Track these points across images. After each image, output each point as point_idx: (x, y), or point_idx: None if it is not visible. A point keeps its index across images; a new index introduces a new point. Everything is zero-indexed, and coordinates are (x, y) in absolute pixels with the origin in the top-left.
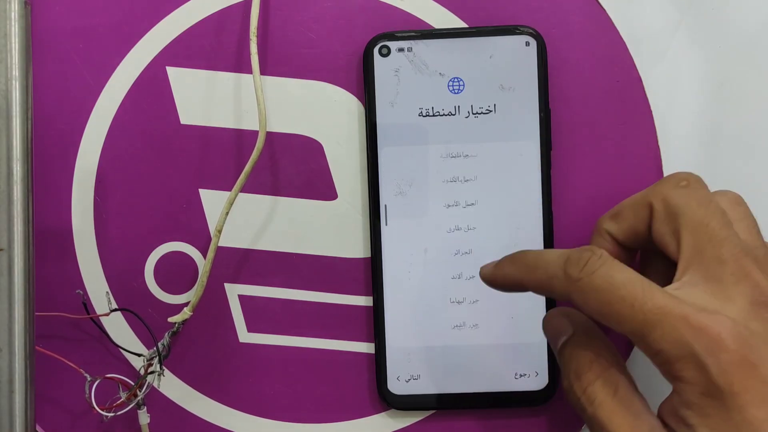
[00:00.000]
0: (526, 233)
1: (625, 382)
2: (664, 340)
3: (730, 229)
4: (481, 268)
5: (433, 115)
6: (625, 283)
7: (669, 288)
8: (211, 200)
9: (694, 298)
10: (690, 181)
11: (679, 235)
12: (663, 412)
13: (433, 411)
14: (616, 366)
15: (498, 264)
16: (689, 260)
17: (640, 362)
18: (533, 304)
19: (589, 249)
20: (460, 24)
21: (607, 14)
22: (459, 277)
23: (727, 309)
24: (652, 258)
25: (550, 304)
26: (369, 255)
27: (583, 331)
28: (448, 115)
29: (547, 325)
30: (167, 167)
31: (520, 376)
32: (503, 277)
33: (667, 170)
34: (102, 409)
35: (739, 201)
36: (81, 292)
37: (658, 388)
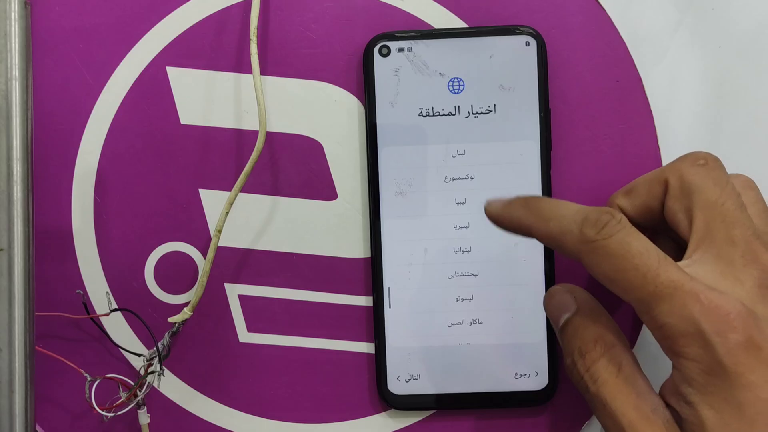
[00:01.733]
0: None
1: (629, 361)
2: (672, 314)
3: (743, 211)
4: (488, 203)
5: (433, 115)
6: (641, 251)
7: (680, 264)
8: (211, 200)
9: (705, 276)
10: (708, 160)
11: (691, 213)
12: (664, 392)
13: (433, 411)
14: (620, 345)
15: (509, 203)
16: (700, 239)
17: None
18: (533, 304)
19: (609, 212)
20: (460, 24)
21: (607, 14)
22: (459, 277)
23: (736, 290)
24: (661, 240)
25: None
26: (369, 255)
27: (587, 309)
28: (448, 115)
29: (550, 301)
30: (167, 167)
31: (520, 376)
32: (511, 218)
33: None
34: (102, 409)
35: (751, 185)
36: (81, 292)
37: (661, 374)
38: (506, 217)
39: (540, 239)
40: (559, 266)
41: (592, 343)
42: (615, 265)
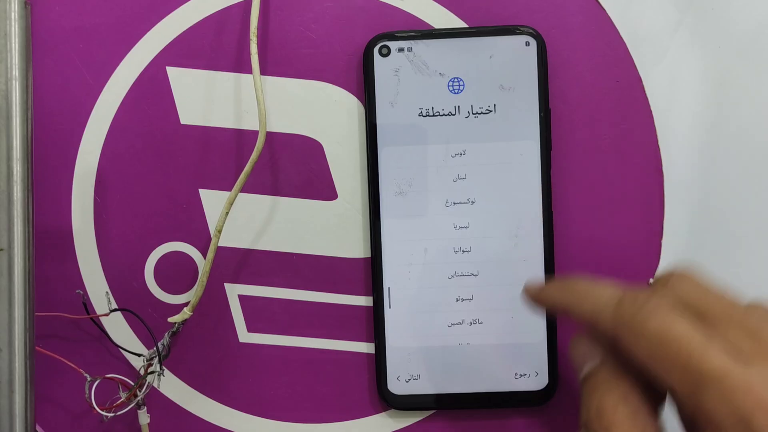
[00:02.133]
0: (526, 233)
1: (652, 430)
2: (719, 403)
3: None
4: (526, 287)
5: (433, 115)
6: (684, 335)
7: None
8: (211, 200)
9: (754, 370)
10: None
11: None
12: None
13: (433, 411)
14: (645, 410)
15: (546, 288)
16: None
17: None
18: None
19: (647, 292)
20: (460, 24)
21: (607, 14)
22: (459, 277)
23: None
24: None
25: None
26: (369, 255)
27: (612, 364)
28: (448, 115)
29: (575, 347)
30: (167, 167)
31: (520, 376)
32: (548, 301)
33: (667, 170)
34: (102, 409)
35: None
36: (81, 292)
37: None
38: (542, 299)
39: (577, 319)
40: (559, 266)
41: (612, 405)
42: (653, 348)
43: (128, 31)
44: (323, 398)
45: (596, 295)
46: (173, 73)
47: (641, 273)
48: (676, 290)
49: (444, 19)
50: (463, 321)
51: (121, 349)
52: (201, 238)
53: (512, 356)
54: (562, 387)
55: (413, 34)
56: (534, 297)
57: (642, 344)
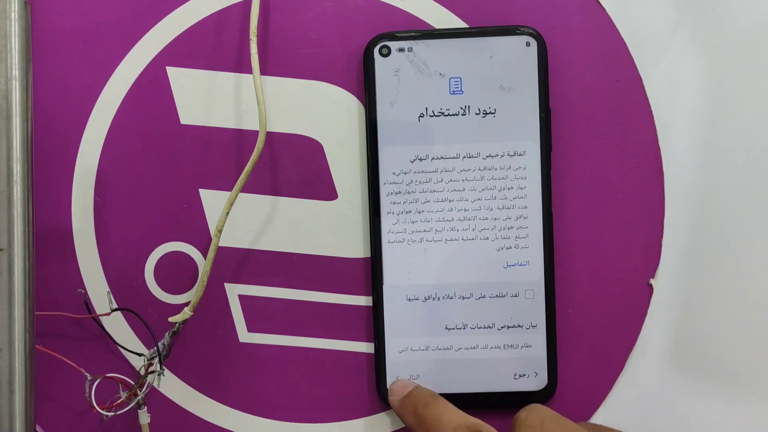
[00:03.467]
0: (526, 233)
1: None
2: None
3: None
4: (391, 392)
5: (434, 115)
6: None
7: None
8: (211, 200)
9: None
10: None
11: None
12: None
13: None
14: None
15: (403, 403)
16: None
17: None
18: (533, 305)
19: (479, 426)
20: (460, 24)
21: (607, 14)
22: (459, 277)
23: None
24: None
25: (549, 307)
26: (369, 255)
27: None
28: (449, 115)
29: None
30: (167, 167)
31: (520, 376)
32: (404, 422)
33: (667, 170)
34: (102, 409)
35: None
36: (82, 291)
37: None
38: (401, 419)
39: None
40: (558, 267)
41: None
42: None
43: (128, 31)
44: (323, 398)
45: (439, 427)
46: (173, 73)
47: (641, 273)
48: (531, 419)
49: (444, 19)
50: (463, 321)
51: (121, 349)
52: (201, 238)
53: (512, 356)
54: (562, 387)
55: (413, 34)
56: (394, 409)
57: None
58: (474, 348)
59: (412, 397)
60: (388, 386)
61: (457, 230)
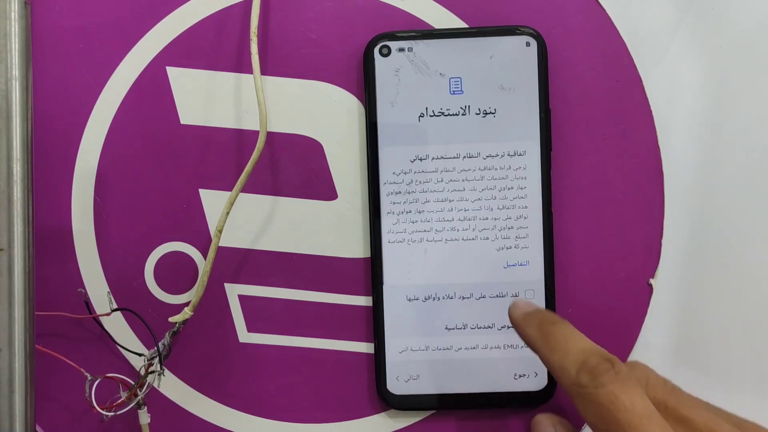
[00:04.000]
0: (526, 233)
1: None
2: None
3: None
4: (513, 305)
5: (434, 115)
6: (627, 407)
7: None
8: (211, 200)
9: None
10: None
11: None
12: None
13: (433, 411)
14: None
15: (527, 317)
16: None
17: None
18: None
19: (609, 359)
20: (460, 24)
21: (607, 14)
22: (459, 277)
23: None
24: None
25: (549, 307)
26: (369, 255)
27: None
28: (449, 115)
29: (534, 428)
30: (167, 167)
31: (520, 376)
32: (524, 334)
33: (667, 170)
34: (102, 409)
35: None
36: (82, 291)
37: None
38: (520, 331)
39: (544, 365)
40: (558, 266)
41: None
42: (599, 415)
43: (128, 31)
44: (323, 398)
45: (564, 351)
46: (173, 73)
47: (641, 273)
48: (636, 372)
49: (444, 19)
50: (463, 321)
51: (121, 349)
52: (201, 238)
53: (512, 357)
54: (561, 388)
55: (413, 34)
56: (514, 323)
57: (589, 411)
58: (474, 348)
59: (540, 313)
60: (388, 386)
61: (457, 230)
